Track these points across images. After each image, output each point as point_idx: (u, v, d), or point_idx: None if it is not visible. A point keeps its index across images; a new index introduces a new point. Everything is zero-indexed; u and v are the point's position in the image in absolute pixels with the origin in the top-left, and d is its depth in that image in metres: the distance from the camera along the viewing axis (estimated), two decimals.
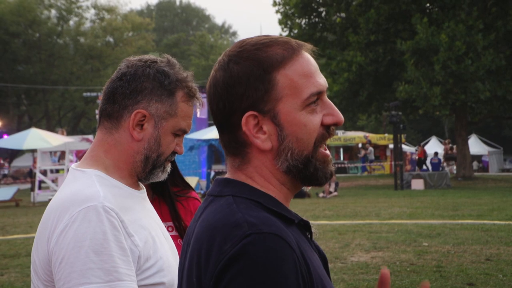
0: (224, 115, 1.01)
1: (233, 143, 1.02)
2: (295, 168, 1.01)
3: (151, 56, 1.42)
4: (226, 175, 1.06)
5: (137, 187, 1.44)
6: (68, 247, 1.21)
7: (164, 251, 1.37)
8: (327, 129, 1.02)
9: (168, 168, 1.45)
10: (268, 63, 0.98)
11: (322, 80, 1.02)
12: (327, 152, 1.04)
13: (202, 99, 1.47)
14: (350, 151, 36.45)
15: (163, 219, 2.02)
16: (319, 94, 1.01)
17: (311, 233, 1.06)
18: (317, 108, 1.01)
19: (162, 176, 1.44)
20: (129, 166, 1.39)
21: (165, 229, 1.51)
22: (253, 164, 1.02)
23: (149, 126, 1.37)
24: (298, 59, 1.00)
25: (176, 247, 1.51)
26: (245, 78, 0.98)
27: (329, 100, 1.03)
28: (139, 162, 1.39)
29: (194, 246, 0.98)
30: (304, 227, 1.02)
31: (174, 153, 1.44)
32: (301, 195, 16.90)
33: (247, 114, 0.98)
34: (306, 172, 1.01)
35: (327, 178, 1.04)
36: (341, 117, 1.02)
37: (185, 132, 1.43)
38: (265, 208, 0.97)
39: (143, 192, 1.46)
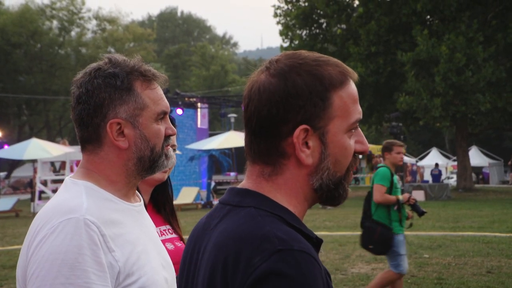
0: (274, 122, 0.99)
1: (272, 151, 1.01)
2: (327, 187, 1.02)
3: (92, 65, 1.38)
4: (246, 184, 1.05)
5: (132, 200, 1.41)
6: (42, 259, 1.19)
7: (151, 268, 1.32)
8: (355, 156, 1.06)
9: (171, 152, 1.43)
10: (329, 81, 1.00)
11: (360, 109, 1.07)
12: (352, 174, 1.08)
13: (164, 76, 1.42)
14: None
15: (161, 223, 2.01)
16: (358, 121, 1.05)
17: (318, 250, 1.06)
18: (352, 134, 1.04)
19: (169, 163, 1.42)
20: (122, 176, 1.37)
21: (161, 243, 1.47)
22: (284, 176, 1.02)
23: (128, 130, 1.34)
24: (350, 83, 1.03)
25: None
26: (307, 92, 0.99)
27: (359, 129, 1.06)
28: (133, 166, 1.36)
29: (216, 256, 0.96)
30: (317, 244, 1.02)
31: (168, 137, 1.41)
32: None
33: (301, 126, 0.99)
34: (335, 192, 1.04)
35: (345, 199, 1.08)
36: (368, 146, 1.07)
37: (165, 112, 1.40)
38: (286, 223, 0.97)
39: (138, 205, 1.42)
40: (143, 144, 1.36)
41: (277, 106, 0.99)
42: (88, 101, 1.34)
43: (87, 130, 1.36)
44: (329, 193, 1.03)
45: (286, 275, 0.88)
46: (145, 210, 1.47)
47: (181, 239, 2.01)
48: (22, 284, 1.26)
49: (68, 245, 1.18)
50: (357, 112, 1.03)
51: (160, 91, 1.40)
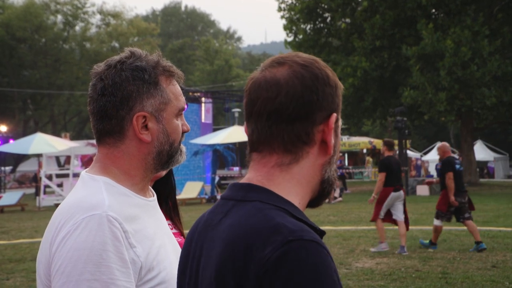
0: (313, 107, 1.02)
1: (302, 137, 1.02)
2: (331, 181, 1.06)
3: (114, 58, 1.38)
4: (250, 177, 1.05)
5: (147, 195, 1.42)
6: (66, 255, 1.20)
7: (169, 263, 1.34)
8: None
9: (184, 148, 1.45)
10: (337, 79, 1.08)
11: None
12: None
13: (181, 72, 1.44)
14: (355, 156, 36.43)
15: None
16: None
17: None
18: None
19: (181, 159, 1.44)
20: (141, 170, 1.38)
21: (174, 237, 1.48)
22: (302, 163, 1.03)
23: (152, 124, 1.35)
24: None
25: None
26: (334, 84, 1.05)
27: None
28: (152, 161, 1.38)
29: (225, 250, 0.96)
30: (320, 236, 1.03)
31: (183, 133, 1.44)
32: None
33: (335, 114, 1.04)
34: (333, 186, 1.08)
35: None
36: None
37: (184, 108, 1.43)
38: (292, 216, 0.97)
39: (153, 200, 1.43)
40: (164, 138, 1.37)
41: (317, 92, 1.02)
42: (114, 93, 1.33)
43: (110, 123, 1.35)
44: (330, 188, 1.07)
45: (297, 265, 0.88)
46: (158, 205, 1.48)
47: (182, 234, 2.02)
48: (45, 279, 1.27)
49: (92, 242, 1.19)
50: None
51: (179, 87, 1.42)
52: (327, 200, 11.66)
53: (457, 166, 8.59)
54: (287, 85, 1.01)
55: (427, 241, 8.73)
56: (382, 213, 8.52)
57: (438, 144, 35.49)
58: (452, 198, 8.37)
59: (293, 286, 0.87)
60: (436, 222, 8.52)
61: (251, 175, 1.04)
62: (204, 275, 1.00)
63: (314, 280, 0.87)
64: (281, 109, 1.01)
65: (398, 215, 8.50)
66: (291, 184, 1.02)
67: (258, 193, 1.00)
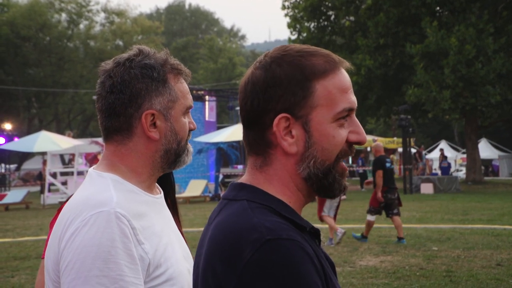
0: (257, 112, 1.02)
1: (258, 142, 1.04)
2: (315, 176, 1.03)
3: (123, 55, 1.38)
4: (243, 177, 1.07)
5: (154, 192, 1.43)
6: (75, 252, 1.21)
7: (176, 259, 1.35)
8: (349, 146, 1.05)
9: (191, 148, 1.46)
10: (310, 71, 1.02)
11: (354, 98, 1.06)
12: (345, 166, 1.07)
13: (188, 71, 1.44)
14: (359, 154, 36.34)
15: None
16: (350, 111, 1.04)
17: (319, 240, 1.07)
18: (345, 124, 1.04)
19: (188, 160, 1.44)
20: (148, 168, 1.38)
21: (180, 235, 1.50)
22: (274, 166, 1.04)
23: (160, 122, 1.36)
24: (338, 73, 1.04)
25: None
26: (286, 81, 1.01)
27: (356, 119, 1.06)
28: (159, 159, 1.39)
29: (209, 249, 0.99)
30: (314, 234, 1.04)
31: (190, 131, 1.44)
32: None
33: (280, 115, 1.01)
34: (325, 181, 1.04)
35: (341, 191, 1.07)
36: (365, 137, 1.06)
37: (191, 107, 1.43)
38: (277, 213, 0.99)
39: (160, 197, 1.44)
40: (172, 136, 1.38)
41: (258, 97, 1.02)
42: (123, 90, 1.34)
43: (118, 120, 1.35)
44: (319, 182, 1.04)
45: (277, 264, 0.90)
46: (165, 202, 1.49)
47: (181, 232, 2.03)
48: (54, 275, 1.28)
49: (100, 238, 1.20)
50: (346, 101, 1.03)
51: (186, 85, 1.43)
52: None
53: (388, 165, 9.25)
54: (241, 92, 1.05)
55: (359, 234, 9.24)
56: (325, 210, 9.03)
57: (442, 142, 35.26)
58: (379, 194, 9.01)
59: (272, 284, 0.89)
60: (369, 217, 9.07)
61: (243, 176, 1.08)
62: (199, 273, 1.03)
63: (292, 278, 0.89)
64: (240, 116, 1.06)
65: (330, 212, 9.06)
66: (272, 185, 1.04)
67: (247, 192, 1.03)
